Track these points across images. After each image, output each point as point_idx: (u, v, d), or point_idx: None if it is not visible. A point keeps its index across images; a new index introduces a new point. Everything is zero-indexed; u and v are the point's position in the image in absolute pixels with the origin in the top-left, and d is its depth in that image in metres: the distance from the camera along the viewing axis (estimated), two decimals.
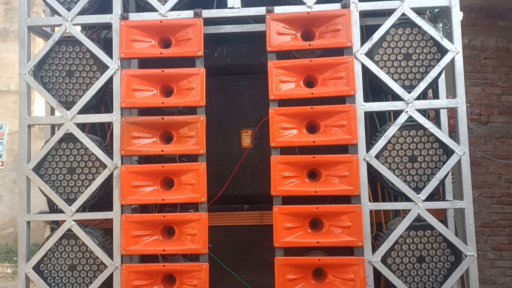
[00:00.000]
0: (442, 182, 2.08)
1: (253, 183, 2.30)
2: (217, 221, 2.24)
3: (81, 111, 2.08)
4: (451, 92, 2.13)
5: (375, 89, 2.15)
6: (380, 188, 2.17)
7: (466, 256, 1.96)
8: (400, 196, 2.06)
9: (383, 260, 1.97)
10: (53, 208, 2.15)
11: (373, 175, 2.05)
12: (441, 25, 2.12)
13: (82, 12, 2.13)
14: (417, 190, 2.00)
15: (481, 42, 6.66)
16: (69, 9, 2.11)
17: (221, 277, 2.24)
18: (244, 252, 2.26)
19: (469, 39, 6.76)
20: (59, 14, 2.10)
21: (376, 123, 2.17)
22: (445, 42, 2.01)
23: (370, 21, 2.18)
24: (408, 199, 1.99)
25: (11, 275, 10.08)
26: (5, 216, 13.52)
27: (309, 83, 2.10)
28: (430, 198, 2.03)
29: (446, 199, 2.21)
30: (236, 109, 2.37)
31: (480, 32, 6.61)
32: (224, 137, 2.36)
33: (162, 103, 2.04)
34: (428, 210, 1.99)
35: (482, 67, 6.68)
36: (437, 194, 2.24)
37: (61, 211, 2.02)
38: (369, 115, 2.12)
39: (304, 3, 2.07)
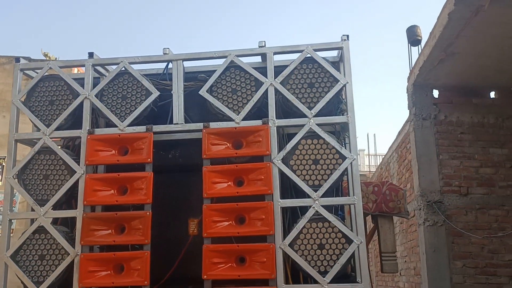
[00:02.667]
0: (345, 266, 2.47)
1: (197, 265, 2.72)
2: None
3: (54, 207, 2.61)
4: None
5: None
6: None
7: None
8: (308, 278, 2.46)
9: None
10: None
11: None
12: (346, 134, 2.64)
13: (59, 127, 2.73)
14: (324, 273, 2.42)
15: (457, 118, 7.21)
16: (49, 125, 2.72)
17: None
18: None
19: (445, 115, 7.33)
20: (39, 129, 2.71)
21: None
22: (343, 151, 2.53)
23: (290, 130, 2.72)
24: (316, 281, 2.41)
25: None
26: None
27: (239, 183, 2.61)
28: (338, 280, 2.43)
29: (356, 280, 2.58)
30: (185, 201, 2.87)
31: (455, 108, 7.19)
32: (174, 224, 2.84)
33: (116, 201, 2.57)
34: None
35: (459, 141, 7.17)
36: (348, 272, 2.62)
37: None
38: (284, 210, 2.59)
39: (233, 120, 2.64)
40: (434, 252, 6.71)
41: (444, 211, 6.84)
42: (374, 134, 24.28)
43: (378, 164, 13.09)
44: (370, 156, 17.14)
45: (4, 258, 2.54)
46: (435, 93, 7.33)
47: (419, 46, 7.59)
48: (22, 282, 2.59)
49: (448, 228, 6.76)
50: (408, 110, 7.45)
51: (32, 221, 2.68)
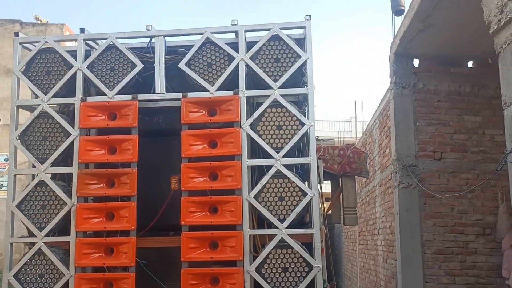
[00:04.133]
0: (301, 214, 2.96)
1: (177, 215, 3.20)
2: (150, 243, 3.16)
3: (52, 165, 3.06)
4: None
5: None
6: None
7: (314, 267, 2.84)
8: (271, 225, 2.96)
9: (258, 270, 2.87)
10: (31, 233, 3.11)
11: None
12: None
13: (55, 95, 3.14)
14: (282, 221, 2.91)
15: (435, 87, 7.62)
16: (46, 93, 3.14)
17: (151, 284, 3.14)
18: (169, 267, 3.16)
19: (424, 84, 7.74)
20: (38, 96, 3.13)
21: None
22: (303, 118, 2.97)
23: (259, 99, 3.15)
24: (276, 227, 2.90)
25: None
26: None
27: (213, 145, 3.06)
28: (294, 226, 2.92)
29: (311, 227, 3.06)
30: (168, 160, 3.33)
31: (434, 77, 7.58)
32: (158, 180, 3.30)
33: (107, 160, 3.02)
34: (290, 235, 2.89)
35: (436, 109, 7.61)
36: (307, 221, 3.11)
37: (34, 235, 2.98)
38: (252, 168, 3.05)
39: (208, 90, 3.06)
40: (407, 212, 7.28)
41: (418, 174, 7.35)
42: (362, 101, 24.63)
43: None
44: (357, 123, 17.62)
45: (11, 207, 3.02)
46: (416, 62, 7.69)
47: (402, 16, 7.88)
48: (27, 228, 3.08)
49: (421, 190, 7.31)
50: (390, 79, 7.84)
51: (34, 176, 3.13)
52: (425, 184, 7.32)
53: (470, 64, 7.47)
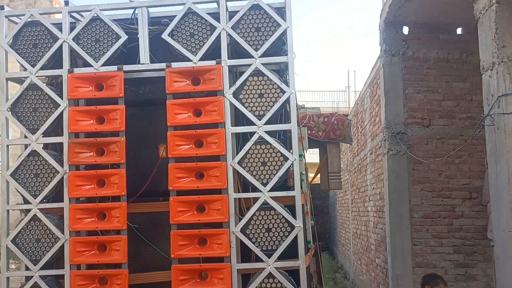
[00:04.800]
0: (283, 178, 3.12)
1: (166, 181, 3.36)
2: (141, 209, 3.33)
3: (44, 135, 3.19)
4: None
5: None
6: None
7: (295, 227, 3.03)
8: (255, 188, 3.12)
9: (243, 231, 3.05)
10: (26, 201, 3.28)
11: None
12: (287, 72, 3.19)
13: (44, 67, 3.25)
14: (265, 184, 3.07)
15: (424, 54, 7.70)
16: (34, 65, 3.23)
17: (143, 248, 3.33)
18: (159, 230, 3.34)
19: (413, 51, 7.82)
20: (26, 69, 3.23)
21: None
22: (283, 86, 3.09)
23: (241, 68, 3.26)
24: (259, 190, 3.07)
25: (15, 270, 11.33)
26: None
27: (198, 114, 3.19)
28: (277, 189, 3.09)
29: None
30: (155, 129, 3.46)
31: (423, 44, 7.65)
32: (146, 149, 3.45)
33: (96, 129, 3.15)
34: (273, 197, 3.06)
35: (425, 76, 7.72)
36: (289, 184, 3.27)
37: (29, 202, 3.15)
38: (236, 135, 3.19)
39: (191, 60, 3.16)
40: (396, 178, 7.49)
41: (407, 141, 7.52)
42: (355, 70, 24.61)
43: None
44: (350, 93, 17.67)
45: (6, 176, 3.17)
46: (405, 30, 7.73)
47: None
48: (21, 195, 3.24)
49: (410, 157, 7.50)
50: (380, 47, 7.90)
51: (26, 146, 3.27)
52: (413, 151, 7.50)
53: (458, 31, 7.52)
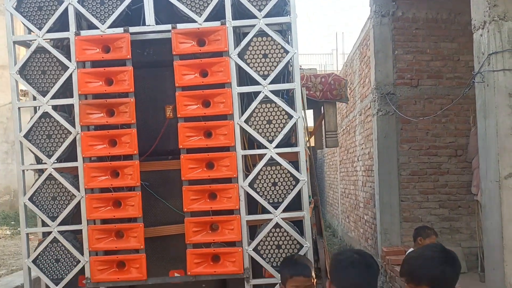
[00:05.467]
0: (287, 135, 3.30)
1: (174, 141, 3.51)
2: (151, 167, 3.49)
3: (53, 97, 3.29)
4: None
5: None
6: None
7: (300, 180, 3.24)
8: (261, 145, 3.30)
9: (251, 185, 3.25)
10: (39, 161, 3.40)
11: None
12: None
13: (50, 30, 3.30)
14: (271, 141, 3.26)
15: (413, 14, 7.82)
16: (40, 28, 3.29)
17: (154, 202, 3.51)
18: (170, 187, 3.52)
19: (403, 12, 7.93)
20: (33, 32, 3.29)
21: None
22: (287, 46, 3.22)
23: (245, 29, 3.37)
24: (265, 147, 3.25)
25: (10, 236, 11.53)
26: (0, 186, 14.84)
27: (204, 74, 3.31)
28: (282, 146, 3.28)
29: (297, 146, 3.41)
30: (161, 90, 3.58)
31: (412, 5, 7.76)
32: (154, 110, 3.57)
33: (105, 90, 3.26)
34: (279, 153, 3.25)
35: (414, 37, 7.88)
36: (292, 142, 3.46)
37: (44, 163, 3.28)
38: (241, 95, 3.34)
39: (196, 22, 3.25)
40: (385, 138, 7.77)
41: (396, 101, 7.75)
42: (343, 33, 24.52)
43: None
44: (338, 55, 17.72)
45: (19, 137, 3.28)
46: None
47: None
48: (35, 156, 3.36)
49: (398, 117, 7.75)
50: (369, 8, 7.99)
51: (37, 109, 3.37)
52: (402, 111, 7.74)
53: None
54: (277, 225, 3.27)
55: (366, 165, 8.78)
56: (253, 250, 3.25)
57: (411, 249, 2.17)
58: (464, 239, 7.49)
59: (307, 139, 4.34)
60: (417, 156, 7.73)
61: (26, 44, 3.45)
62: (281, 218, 3.26)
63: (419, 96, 7.78)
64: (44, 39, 3.29)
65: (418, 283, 2.04)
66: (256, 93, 3.31)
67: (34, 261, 3.31)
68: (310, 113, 6.59)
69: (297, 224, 3.38)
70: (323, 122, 4.93)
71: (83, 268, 3.29)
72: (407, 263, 2.16)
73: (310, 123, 6.29)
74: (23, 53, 3.35)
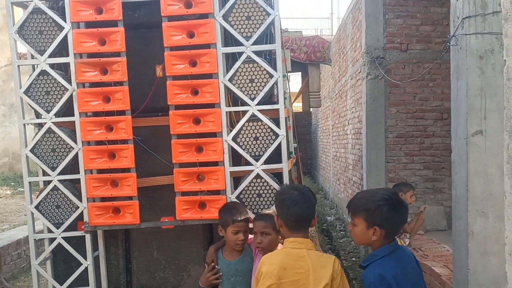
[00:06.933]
0: (269, 93, 3.59)
1: (163, 99, 3.79)
2: (143, 123, 3.79)
3: (50, 56, 3.56)
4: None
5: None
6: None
7: (279, 135, 3.56)
8: (244, 103, 3.59)
9: (234, 139, 3.57)
10: (38, 116, 3.70)
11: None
12: None
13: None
14: (253, 99, 3.55)
15: None
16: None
17: (146, 156, 3.84)
18: (159, 141, 3.83)
19: None
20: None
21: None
22: (268, 9, 3.46)
23: None
24: (247, 104, 3.55)
25: (10, 195, 11.97)
26: None
27: (191, 35, 3.57)
28: (263, 103, 3.57)
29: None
30: (152, 51, 3.83)
31: None
32: (144, 69, 3.84)
33: (99, 50, 3.52)
34: (260, 110, 3.55)
35: (405, 1, 8.04)
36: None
37: (43, 117, 3.59)
38: (225, 55, 3.60)
39: None
40: (373, 101, 8.05)
41: (385, 65, 7.99)
42: None
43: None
44: (334, 19, 17.69)
45: (20, 93, 3.57)
46: None
47: None
48: (35, 110, 3.66)
49: (387, 81, 8.00)
50: None
51: (35, 67, 3.64)
52: (391, 75, 7.99)
53: None
54: (258, 176, 3.61)
55: (356, 128, 9.10)
56: (236, 198, 3.60)
57: None
58: (446, 198, 7.88)
59: (290, 100, 4.62)
60: (404, 119, 8.04)
61: (23, 5, 3.67)
62: (262, 170, 3.59)
63: (408, 61, 8.00)
64: (40, 0, 3.52)
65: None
66: (240, 54, 3.58)
67: (36, 207, 3.66)
68: (299, 77, 6.85)
69: (278, 177, 3.72)
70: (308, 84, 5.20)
71: (81, 214, 3.65)
72: None
73: (299, 86, 6.56)
74: (19, 16, 3.59)
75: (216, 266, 3.17)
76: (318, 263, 2.36)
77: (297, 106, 11.69)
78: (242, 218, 3.11)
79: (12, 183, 13.59)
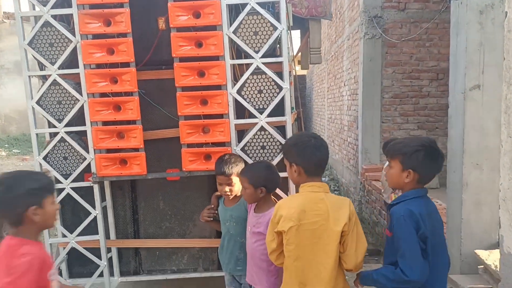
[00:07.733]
0: (272, 47, 3.63)
1: (167, 51, 3.80)
2: (147, 76, 3.82)
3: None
4: None
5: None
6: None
7: (283, 88, 3.62)
8: (248, 56, 3.64)
9: (238, 92, 3.63)
10: (43, 69, 3.72)
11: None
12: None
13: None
14: (257, 52, 3.59)
15: None
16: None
17: (151, 109, 3.89)
18: (163, 94, 3.87)
19: None
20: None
21: None
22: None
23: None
24: (252, 57, 3.59)
25: (6, 156, 11.98)
26: None
27: (198, 15, 3.55)
28: (268, 56, 3.62)
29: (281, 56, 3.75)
30: (155, 6, 3.81)
31: None
32: (148, 22, 3.84)
33: (104, 31, 3.53)
34: (264, 63, 3.60)
35: None
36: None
37: (47, 70, 3.61)
38: (229, 7, 3.61)
39: None
40: (370, 61, 8.09)
41: (383, 25, 7.98)
42: None
43: None
44: None
45: (24, 45, 3.58)
46: None
47: None
48: (39, 64, 3.67)
49: (384, 40, 8.01)
50: None
51: (37, 19, 3.62)
52: (388, 34, 7.99)
53: None
54: (262, 128, 3.69)
55: (352, 89, 9.16)
56: (240, 150, 3.69)
57: (387, 163, 2.56)
58: None
59: (292, 54, 4.65)
60: (400, 80, 8.11)
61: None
62: (266, 122, 3.68)
63: (405, 20, 8.00)
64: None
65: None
66: (244, 5, 3.59)
67: (44, 158, 3.73)
68: (298, 38, 6.82)
69: (281, 130, 3.81)
70: (308, 40, 5.21)
71: (88, 166, 3.73)
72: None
73: (297, 47, 6.56)
74: None
75: (212, 206, 3.51)
76: (336, 204, 2.50)
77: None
78: (223, 171, 3.24)
79: (6, 145, 13.58)
